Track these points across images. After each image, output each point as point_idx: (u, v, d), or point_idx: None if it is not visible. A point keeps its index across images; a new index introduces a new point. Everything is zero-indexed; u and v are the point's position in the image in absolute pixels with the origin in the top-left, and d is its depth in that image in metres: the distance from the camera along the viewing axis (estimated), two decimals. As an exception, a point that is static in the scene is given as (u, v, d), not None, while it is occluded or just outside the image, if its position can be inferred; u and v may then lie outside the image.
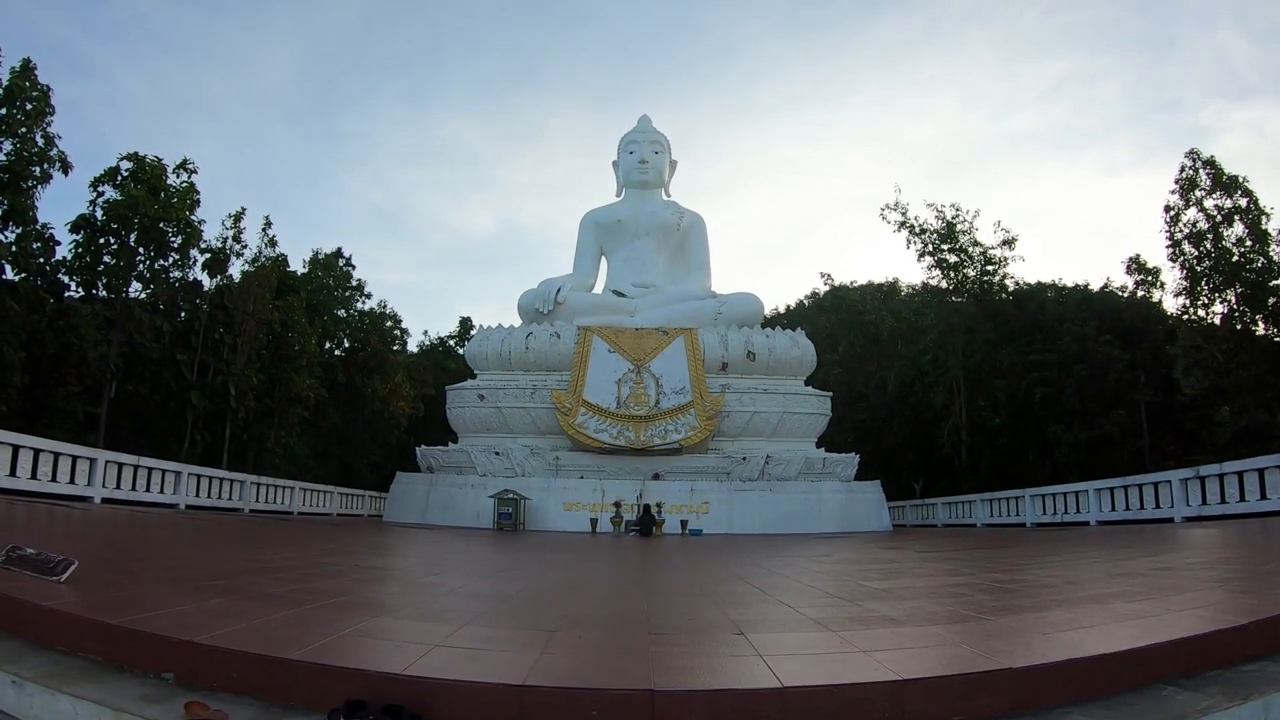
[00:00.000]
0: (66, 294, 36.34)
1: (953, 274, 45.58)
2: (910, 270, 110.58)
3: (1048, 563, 12.46)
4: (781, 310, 61.86)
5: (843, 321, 54.26)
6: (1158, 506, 22.18)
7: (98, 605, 5.71)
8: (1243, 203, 36.12)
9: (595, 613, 7.85)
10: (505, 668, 4.96)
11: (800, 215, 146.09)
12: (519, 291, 39.28)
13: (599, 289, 42.12)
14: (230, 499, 28.18)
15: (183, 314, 39.48)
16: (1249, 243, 35.92)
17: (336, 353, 50.92)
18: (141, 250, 37.62)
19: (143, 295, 38.45)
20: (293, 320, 42.28)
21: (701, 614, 7.48)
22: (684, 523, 29.80)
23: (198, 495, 26.31)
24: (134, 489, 23.23)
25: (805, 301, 64.26)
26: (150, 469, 24.00)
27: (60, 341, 33.19)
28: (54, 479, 20.02)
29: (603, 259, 43.39)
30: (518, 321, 38.20)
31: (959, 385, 43.84)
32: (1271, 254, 35.64)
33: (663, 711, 4.39)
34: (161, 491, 24.49)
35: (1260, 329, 36.64)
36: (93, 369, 34.45)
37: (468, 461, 33.16)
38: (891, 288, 58.96)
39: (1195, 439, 36.55)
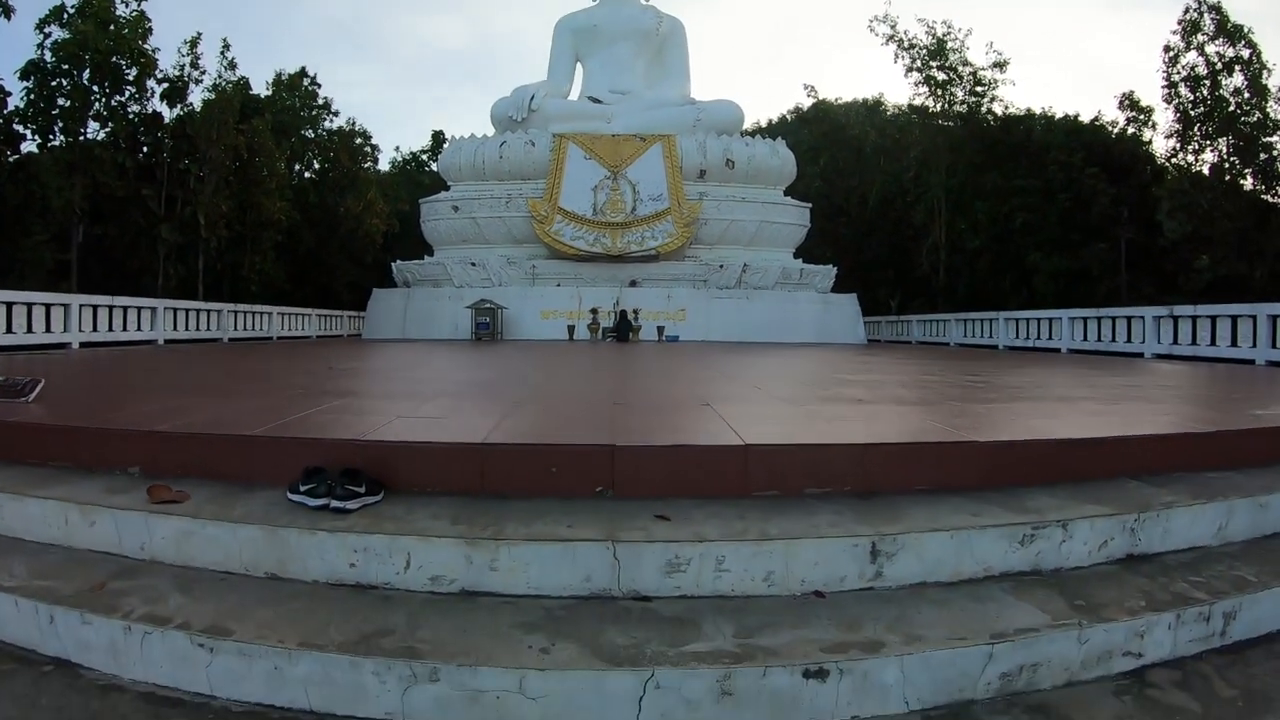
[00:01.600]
0: (23, 144, 35.09)
1: (940, 92, 44.34)
2: (896, 89, 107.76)
3: (1018, 371, 12.63)
4: (763, 124, 60.31)
5: (825, 135, 53.02)
6: (1129, 340, 22.39)
7: (64, 415, 5.63)
8: (1245, 53, 34.80)
9: (563, 390, 7.85)
10: (467, 431, 4.91)
11: (784, 24, 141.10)
12: (493, 104, 38.20)
13: (574, 96, 40.86)
14: (208, 329, 27.92)
15: (145, 149, 38.17)
16: (1246, 95, 34.74)
17: (307, 174, 49.74)
18: (96, 89, 36.02)
19: (102, 135, 37.13)
20: (259, 144, 41.00)
21: (670, 392, 7.49)
22: (660, 329, 30.00)
23: (175, 329, 26.03)
24: (110, 330, 22.96)
25: (788, 116, 62.63)
26: (125, 307, 23.66)
27: (22, 193, 32.19)
28: (29, 330, 19.76)
29: (578, 66, 41.82)
30: (491, 133, 37.26)
31: (940, 205, 43.26)
32: (1269, 109, 34.69)
33: (623, 464, 4.36)
34: (139, 329, 24.21)
35: (1248, 183, 35.99)
36: (58, 216, 33.52)
37: (444, 274, 32.99)
38: (876, 105, 57.47)
39: (1172, 282, 36.42)
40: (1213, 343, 19.09)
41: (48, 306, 20.64)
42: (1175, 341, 20.63)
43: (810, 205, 36.41)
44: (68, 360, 12.62)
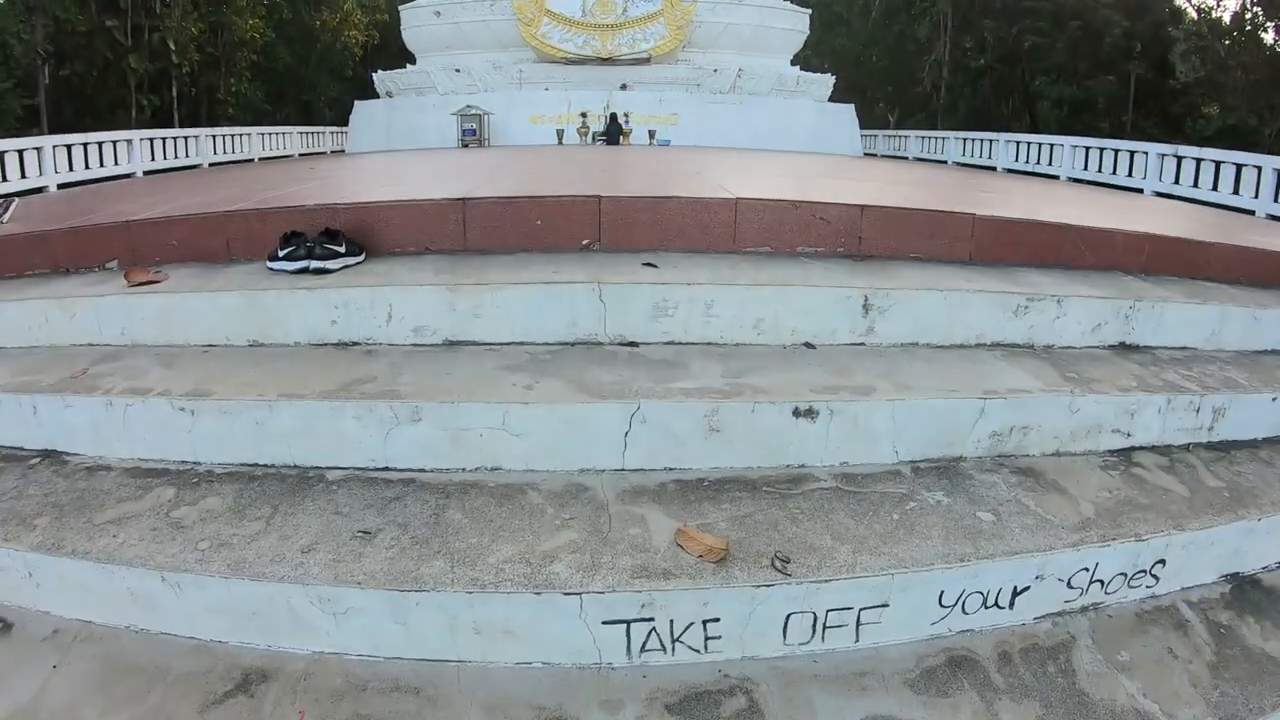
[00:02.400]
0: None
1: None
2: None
3: (1016, 181, 12.51)
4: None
5: (831, -58, 50.84)
6: (1130, 175, 21.70)
7: (38, 224, 5.37)
8: None
9: (550, 167, 7.67)
10: (448, 192, 4.74)
11: None
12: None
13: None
14: (187, 156, 27.15)
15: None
16: None
17: (278, -12, 47.71)
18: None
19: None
20: (227, -41, 39.17)
21: (659, 175, 7.30)
22: (652, 133, 29.31)
23: (153, 159, 25.30)
24: (87, 167, 22.25)
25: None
26: (100, 143, 22.95)
27: (-20, 42, 30.75)
28: (4, 179, 19.22)
29: None
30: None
31: (945, 21, 41.65)
32: None
33: (611, 215, 4.24)
34: (115, 163, 23.51)
35: (1269, 36, 34.53)
36: (21, 61, 32.13)
37: (428, 82, 32.00)
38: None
39: (1179, 126, 35.39)
40: (1215, 188, 18.65)
41: (20, 151, 20.07)
42: (1177, 182, 20.17)
43: (810, 11, 35.09)
44: (46, 200, 12.34)
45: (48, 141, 21.16)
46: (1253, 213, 16.88)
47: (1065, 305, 4.07)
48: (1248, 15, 34.01)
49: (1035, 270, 4.53)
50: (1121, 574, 2.97)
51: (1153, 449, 3.66)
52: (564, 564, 2.60)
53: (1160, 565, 3.03)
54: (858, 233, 4.40)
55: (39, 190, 19.47)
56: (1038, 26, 38.08)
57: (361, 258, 4.14)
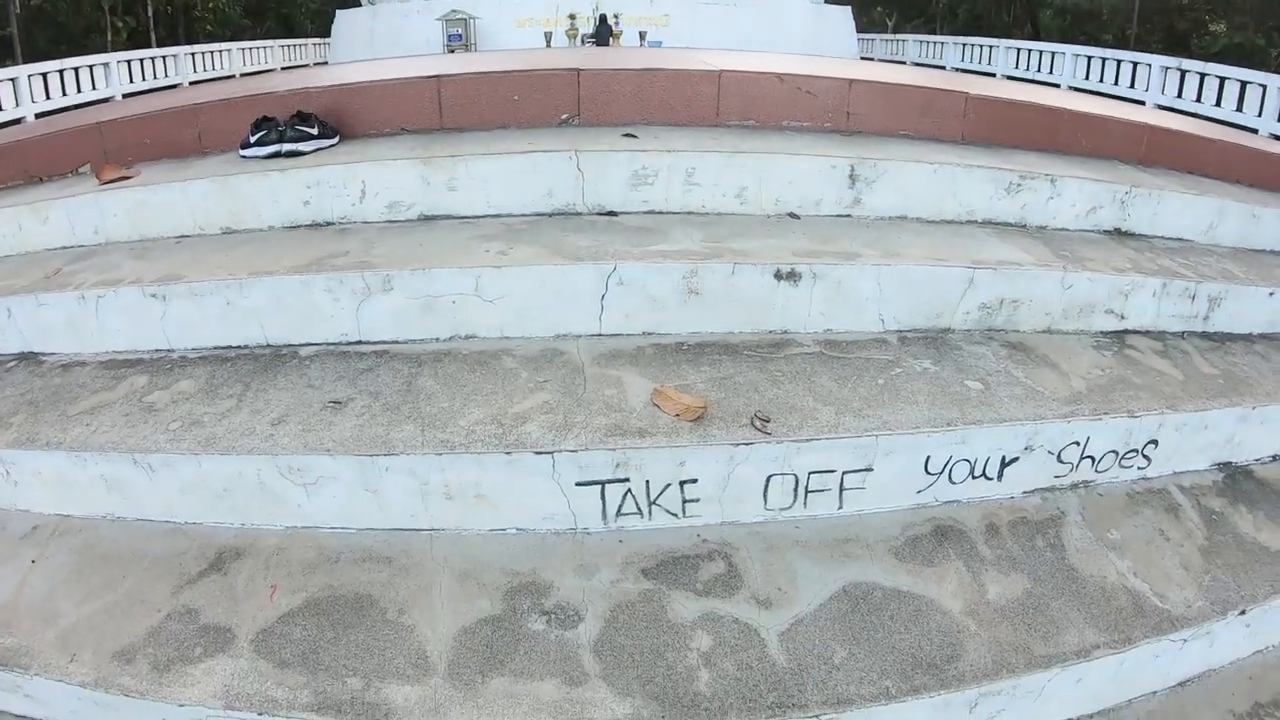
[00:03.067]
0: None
1: None
2: None
3: (1017, 87, 12.07)
4: None
5: None
6: (1132, 86, 21.35)
7: (8, 138, 5.17)
8: None
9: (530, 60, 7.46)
10: (426, 71, 4.57)
11: None
12: None
13: None
14: (166, 76, 26.68)
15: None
16: None
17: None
18: None
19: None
20: None
21: (647, 55, 7.10)
22: (643, 34, 28.56)
23: (131, 81, 24.86)
24: (65, 94, 21.86)
25: None
26: (77, 68, 22.50)
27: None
28: None
29: None
30: None
31: (948, -78, 40.89)
32: None
33: (590, 88, 4.09)
34: (94, 88, 23.11)
35: None
36: None
37: (411, -13, 31.40)
38: None
39: (1184, 42, 34.70)
40: (1218, 104, 18.38)
41: (-7, 84, 19.65)
42: (1180, 96, 19.88)
43: (807, -88, 34.28)
44: (23, 129, 12.05)
45: (22, 71, 20.72)
46: (1256, 131, 16.65)
47: (1059, 185, 3.96)
48: None
49: (1030, 153, 4.40)
50: (1113, 451, 2.93)
51: (1146, 334, 3.59)
52: (536, 424, 2.53)
53: (1153, 446, 2.99)
54: (845, 108, 4.26)
55: (17, 121, 19.09)
56: (1043, -70, 37.38)
57: (335, 140, 4.00)
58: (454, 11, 28.56)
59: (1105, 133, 4.73)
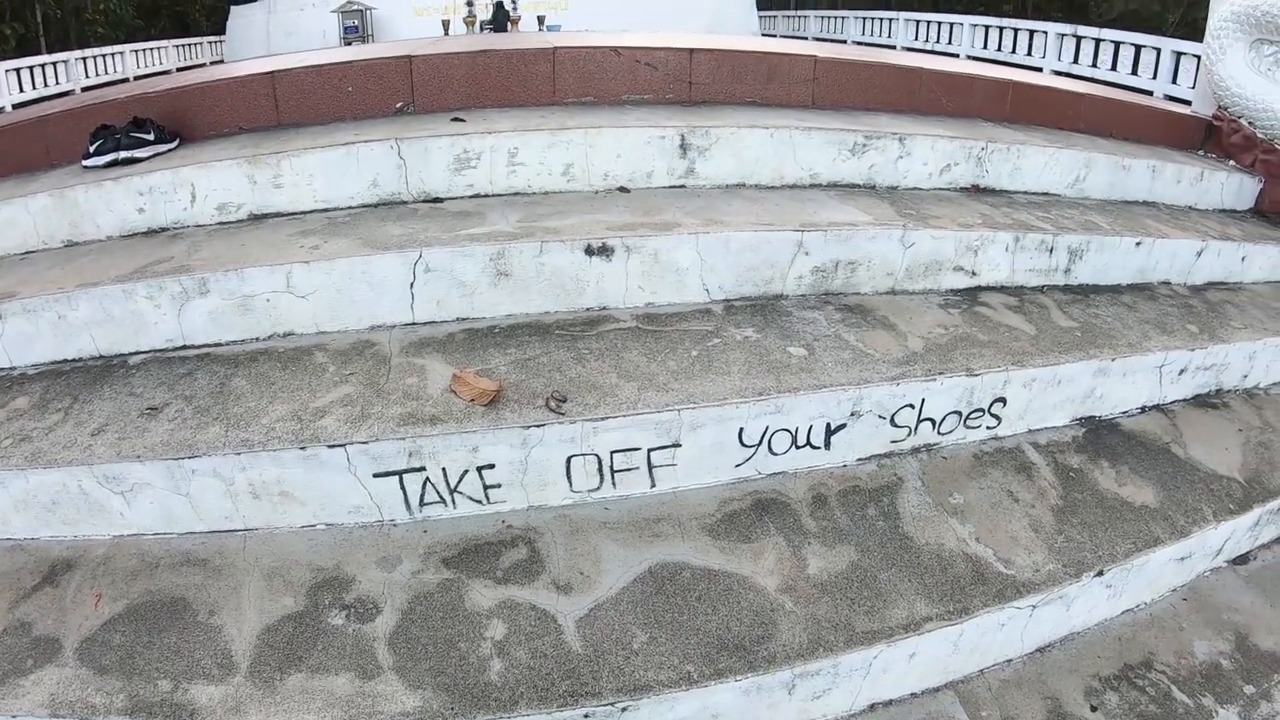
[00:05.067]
0: None
1: None
2: None
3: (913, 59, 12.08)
4: None
5: None
6: (1030, 54, 21.71)
7: None
8: None
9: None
10: (265, 68, 4.48)
11: None
12: None
13: None
14: (58, 82, 25.90)
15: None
16: None
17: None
18: None
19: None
20: None
21: (511, 41, 7.01)
22: (541, 19, 28.39)
23: (22, 90, 24.11)
24: None
25: None
26: None
27: None
28: None
29: None
30: None
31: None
32: None
33: (423, 74, 4.06)
34: None
35: None
36: None
37: (307, -21, 30.92)
38: None
39: (1083, 10, 35.13)
40: (1113, 68, 18.67)
41: None
42: (1076, 61, 20.18)
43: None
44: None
45: (-102, 83, 20.10)
46: (1150, 93, 16.96)
47: (909, 144, 3.96)
48: None
49: (885, 115, 4.41)
50: (955, 413, 2.91)
51: (1001, 289, 3.60)
52: (333, 417, 2.50)
53: (1000, 404, 2.97)
54: (687, 78, 4.24)
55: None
56: (940, -99, 37.57)
57: (174, 144, 3.93)
58: (350, 3, 28.02)
59: (968, 91, 4.76)
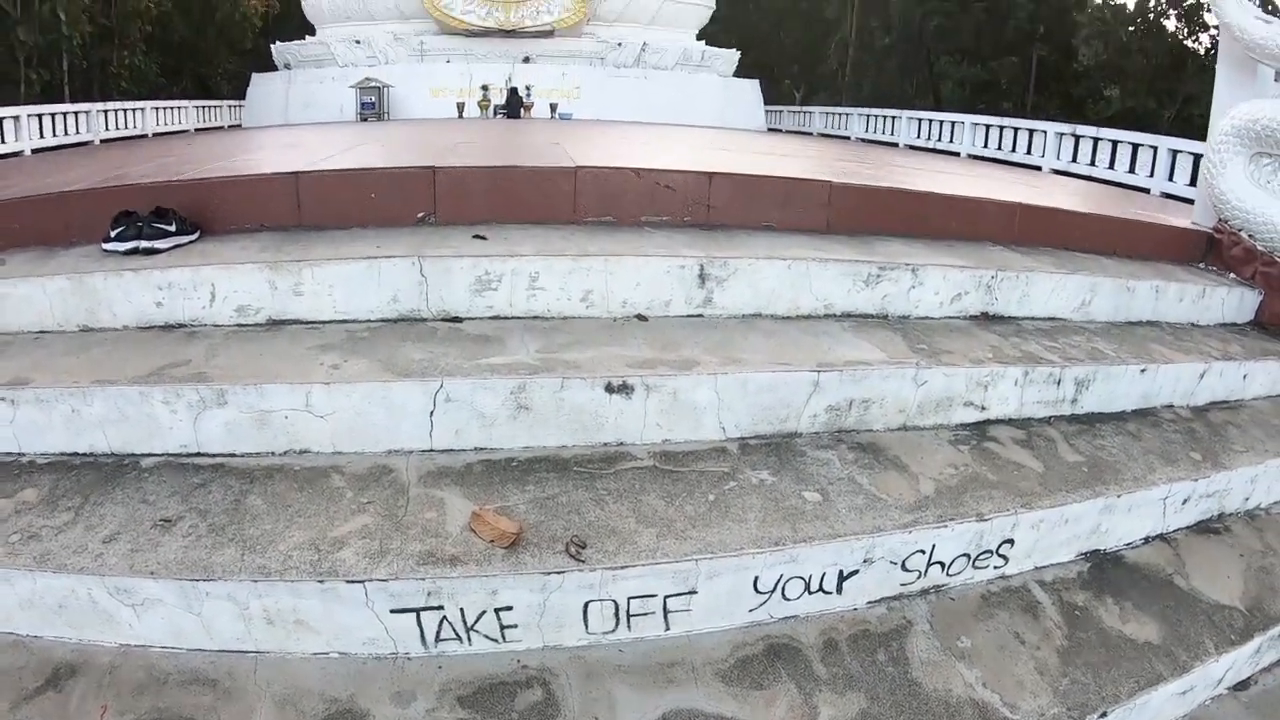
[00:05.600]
0: None
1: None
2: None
3: (914, 160, 12.51)
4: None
5: (741, -83, 50.61)
6: (1029, 153, 22.09)
7: None
8: None
9: (415, 139, 7.42)
10: (288, 166, 4.55)
11: None
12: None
13: None
14: (78, 132, 26.13)
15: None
16: None
17: (176, -44, 46.10)
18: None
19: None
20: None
21: (526, 141, 7.13)
22: (554, 106, 29.01)
23: (42, 136, 24.32)
24: None
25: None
26: None
27: None
28: None
29: None
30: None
31: (854, 0, 42.02)
32: None
33: (446, 186, 4.12)
34: (2, 141, 22.59)
35: (1170, 24, 35.50)
36: None
37: (327, 54, 31.32)
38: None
39: (1080, 108, 36.17)
40: (1111, 167, 19.00)
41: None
42: (1075, 160, 20.49)
43: (717, -15, 35.12)
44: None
45: (-75, 119, 20.24)
46: (1148, 191, 17.26)
47: (921, 274, 4.00)
48: (1150, 2, 34.95)
49: (897, 240, 4.46)
50: (964, 555, 2.89)
51: (1009, 423, 3.60)
52: (352, 550, 2.47)
53: (1008, 545, 2.96)
54: (705, 201, 4.31)
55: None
56: (944, 8, 38.54)
57: (195, 236, 3.97)
58: (368, 80, 28.60)
59: (977, 215, 4.83)
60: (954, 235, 4.72)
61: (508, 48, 30.93)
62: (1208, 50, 34.35)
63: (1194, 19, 34.85)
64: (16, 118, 23.32)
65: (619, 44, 31.49)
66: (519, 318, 3.59)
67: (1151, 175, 17.57)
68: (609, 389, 3.05)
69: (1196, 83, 32.45)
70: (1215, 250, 5.43)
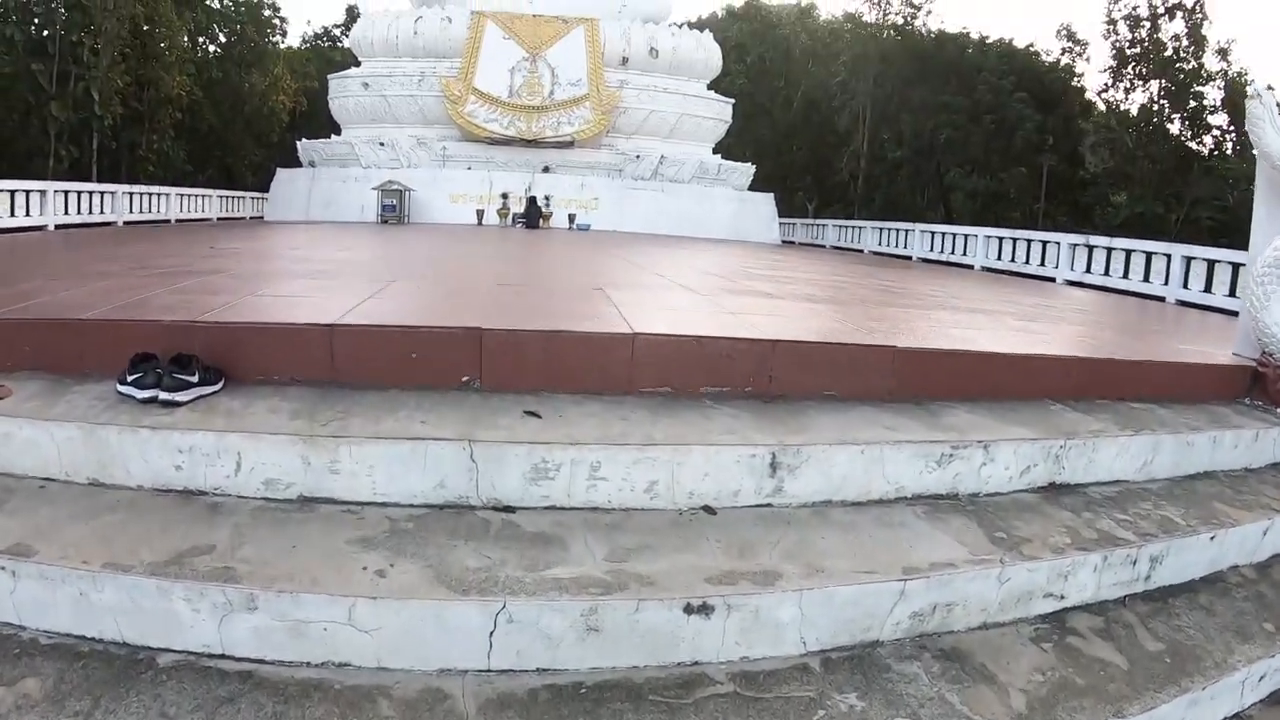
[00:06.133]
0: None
1: (877, 1, 43.39)
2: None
3: (935, 280, 12.41)
4: (694, 20, 58.76)
5: (754, 33, 51.37)
6: (1043, 264, 22.27)
7: None
8: (1188, 1, 34.76)
9: (447, 271, 7.23)
10: (322, 311, 4.32)
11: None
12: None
13: (495, -28, 39.03)
14: (102, 212, 26.36)
15: (37, 20, 35.33)
16: (1184, 41, 34.57)
17: (211, 48, 47.12)
18: (-16, -45, 33.43)
19: (-11, 6, 34.54)
20: (160, 15, 38.59)
21: (563, 276, 6.95)
22: (572, 217, 29.42)
23: (66, 213, 24.53)
24: None
25: (719, 13, 61.31)
26: (12, 191, 22.19)
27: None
28: None
29: (503, -60, 40.00)
30: (407, 6, 35.65)
31: (865, 114, 42.52)
32: (1204, 59, 34.58)
33: (493, 351, 3.85)
34: (28, 214, 22.75)
35: (1175, 128, 36.30)
36: None
37: (351, 154, 31.80)
38: (809, 9, 56.14)
39: (1089, 215, 36.80)
40: (1125, 275, 19.19)
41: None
42: (1089, 270, 20.69)
43: (733, 101, 35.69)
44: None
45: (-46, 184, 20.35)
46: (1163, 299, 17.34)
47: (993, 451, 3.83)
48: (1154, 107, 35.50)
49: (961, 406, 4.29)
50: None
51: (1087, 609, 3.42)
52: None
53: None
54: (768, 371, 4.08)
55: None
56: (953, 121, 39.19)
57: (219, 385, 3.72)
58: (390, 183, 28.97)
59: (1037, 373, 4.72)
60: (1013, 393, 4.59)
61: (528, 157, 31.42)
62: (1211, 151, 34.96)
63: (1197, 122, 35.38)
64: (43, 192, 23.51)
65: (637, 156, 31.99)
66: (578, 509, 3.30)
67: (1166, 283, 17.70)
68: (688, 610, 2.77)
69: (1203, 185, 32.96)
70: (1260, 384, 5.39)
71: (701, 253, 14.85)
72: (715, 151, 34.96)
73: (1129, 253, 19.26)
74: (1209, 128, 35.71)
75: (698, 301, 5.55)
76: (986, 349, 4.89)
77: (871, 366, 4.25)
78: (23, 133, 34.16)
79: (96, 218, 26.06)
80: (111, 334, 3.94)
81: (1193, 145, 35.93)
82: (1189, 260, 17.43)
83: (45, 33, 34.09)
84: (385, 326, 3.92)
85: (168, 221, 30.37)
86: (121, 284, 5.59)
